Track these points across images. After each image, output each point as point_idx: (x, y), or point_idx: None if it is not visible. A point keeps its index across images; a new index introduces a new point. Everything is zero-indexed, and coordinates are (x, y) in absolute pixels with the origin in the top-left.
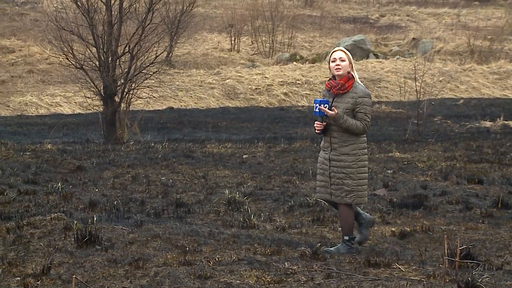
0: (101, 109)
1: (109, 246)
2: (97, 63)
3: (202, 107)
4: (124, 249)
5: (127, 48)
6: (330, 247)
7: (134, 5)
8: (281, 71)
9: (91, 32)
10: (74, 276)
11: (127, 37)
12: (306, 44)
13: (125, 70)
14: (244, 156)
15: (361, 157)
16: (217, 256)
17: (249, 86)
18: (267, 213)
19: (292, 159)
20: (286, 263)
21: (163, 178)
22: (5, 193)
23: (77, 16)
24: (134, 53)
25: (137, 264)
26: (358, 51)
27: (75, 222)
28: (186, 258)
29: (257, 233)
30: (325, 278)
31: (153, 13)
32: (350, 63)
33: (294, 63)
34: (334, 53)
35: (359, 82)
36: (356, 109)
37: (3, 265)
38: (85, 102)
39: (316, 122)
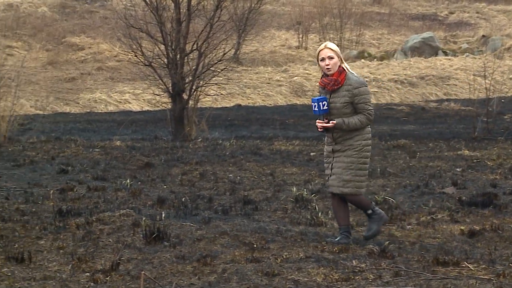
0: (170, 106)
1: (177, 242)
2: (165, 60)
3: (270, 104)
4: (192, 246)
5: (195, 45)
6: (367, 233)
7: (203, 3)
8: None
9: (159, 29)
10: (143, 272)
11: (195, 34)
12: (374, 41)
13: (193, 67)
14: (312, 154)
15: (365, 147)
16: (285, 253)
17: (317, 84)
18: None
19: None
20: (353, 261)
21: (231, 175)
22: (75, 190)
23: (146, 13)
24: (202, 50)
25: (205, 261)
26: (427, 49)
27: (143, 218)
28: (254, 255)
29: (324, 231)
30: (393, 276)
31: (221, 10)
32: (339, 57)
33: (362, 60)
34: (321, 52)
35: (352, 72)
36: (355, 100)
37: (73, 260)
38: (153, 99)
39: (317, 120)
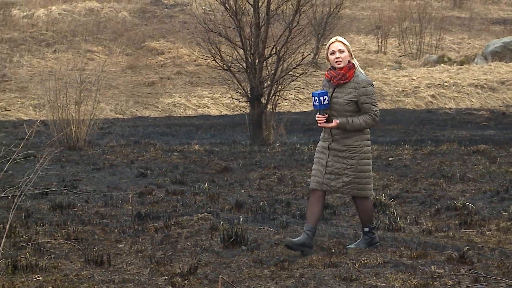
0: (248, 111)
1: (255, 246)
2: (244, 65)
3: None
4: (270, 250)
5: (274, 50)
6: (351, 244)
7: (282, 7)
8: (429, 73)
9: (238, 34)
10: (221, 276)
11: (274, 39)
12: (454, 45)
13: (272, 71)
14: (390, 159)
15: (364, 148)
16: (363, 258)
17: (396, 88)
18: (413, 216)
19: (439, 161)
20: (432, 267)
21: (309, 180)
22: (154, 193)
23: (225, 18)
24: (280, 55)
25: (283, 265)
26: (508, 53)
27: (221, 222)
28: (332, 260)
29: (403, 236)
30: (472, 282)
31: (300, 15)
32: (349, 52)
33: (442, 65)
34: (332, 45)
35: (361, 70)
36: (360, 100)
37: (151, 264)
38: (232, 104)
39: (317, 115)
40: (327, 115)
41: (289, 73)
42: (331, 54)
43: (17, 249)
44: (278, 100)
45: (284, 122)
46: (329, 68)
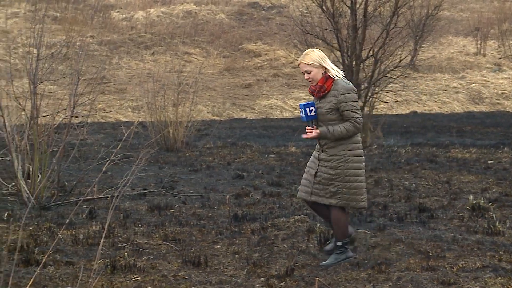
0: None
1: (352, 249)
2: (341, 67)
3: (446, 111)
4: (367, 253)
5: (371, 52)
6: (324, 261)
7: (379, 9)
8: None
9: (335, 36)
10: (317, 278)
11: (371, 41)
12: None
13: (369, 74)
14: (490, 162)
15: (351, 158)
16: (461, 262)
17: (495, 91)
18: None
19: None
20: None
21: (406, 183)
22: (250, 195)
23: (322, 20)
24: (378, 57)
25: (380, 268)
26: None
27: (318, 224)
28: (429, 264)
29: (502, 240)
30: None
31: (397, 17)
32: (320, 66)
33: None
34: (299, 66)
35: (342, 78)
36: (341, 107)
37: (248, 265)
38: None
39: (307, 127)
40: (315, 127)
41: (387, 75)
42: (302, 74)
43: (116, 250)
44: (375, 102)
45: (381, 125)
46: None
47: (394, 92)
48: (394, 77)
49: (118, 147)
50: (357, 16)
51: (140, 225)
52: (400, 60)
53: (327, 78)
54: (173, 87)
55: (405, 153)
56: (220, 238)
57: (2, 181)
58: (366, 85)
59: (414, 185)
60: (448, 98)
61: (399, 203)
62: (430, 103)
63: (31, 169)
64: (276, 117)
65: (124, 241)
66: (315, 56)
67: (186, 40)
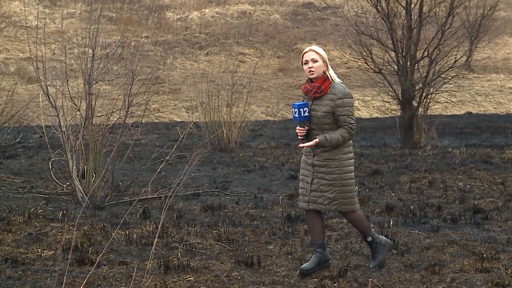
0: (399, 114)
1: (405, 250)
2: (395, 67)
3: (502, 112)
4: (420, 254)
5: (426, 52)
6: (374, 264)
7: (434, 9)
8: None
9: (390, 36)
10: (370, 279)
11: (426, 41)
12: None
13: (424, 74)
14: None
15: (345, 162)
16: None
17: None
18: None
19: None
20: None
21: (461, 184)
22: None
23: (376, 20)
24: (433, 57)
25: (433, 270)
26: None
27: (371, 225)
28: (483, 265)
29: None
30: None
31: (453, 17)
32: (325, 62)
33: None
34: (305, 54)
35: (339, 81)
36: (337, 112)
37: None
38: (382, 106)
39: (297, 127)
40: (307, 128)
41: (441, 75)
42: (304, 63)
43: (169, 249)
44: (429, 103)
45: (436, 125)
46: (306, 81)
47: (449, 92)
48: (449, 77)
49: (173, 148)
50: (412, 16)
51: (193, 225)
52: (455, 61)
53: (325, 79)
54: (227, 87)
55: (460, 154)
56: (273, 238)
57: (57, 181)
58: (420, 85)
59: (468, 186)
60: (503, 99)
61: (453, 204)
62: (485, 104)
63: (85, 169)
64: None
65: (177, 241)
66: (323, 52)
67: (240, 41)
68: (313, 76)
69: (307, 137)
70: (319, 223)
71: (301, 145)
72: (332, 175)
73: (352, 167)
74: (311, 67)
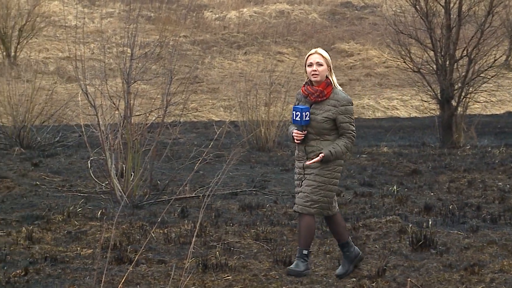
0: (438, 113)
1: (444, 250)
2: (434, 66)
3: None
4: (459, 254)
5: (465, 51)
6: (339, 272)
7: (474, 8)
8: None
9: (429, 35)
10: (409, 279)
11: (465, 40)
12: None
13: (463, 73)
14: None
15: (337, 167)
16: None
17: None
18: None
19: None
20: None
21: (500, 184)
22: (342, 195)
23: (415, 19)
24: (472, 56)
25: (473, 270)
26: None
27: (410, 225)
28: None
29: None
30: None
31: (492, 16)
32: (329, 66)
33: None
34: (310, 57)
35: (340, 88)
36: (339, 119)
37: (339, 265)
38: (421, 106)
39: (294, 131)
40: (305, 132)
41: (481, 75)
42: (308, 66)
43: (208, 249)
44: (469, 102)
45: (475, 125)
46: (305, 83)
47: (488, 92)
48: (489, 77)
49: (210, 146)
50: (451, 16)
51: (231, 224)
52: (495, 60)
53: (328, 84)
54: (265, 86)
55: (499, 153)
56: None
57: (96, 180)
58: (460, 85)
59: (508, 186)
60: None
61: (493, 204)
62: None
63: (124, 168)
64: (368, 117)
65: (215, 240)
66: (328, 56)
67: (278, 40)
68: (316, 79)
69: (304, 141)
70: (311, 230)
71: (307, 163)
72: (322, 178)
73: (340, 174)
74: (315, 70)
